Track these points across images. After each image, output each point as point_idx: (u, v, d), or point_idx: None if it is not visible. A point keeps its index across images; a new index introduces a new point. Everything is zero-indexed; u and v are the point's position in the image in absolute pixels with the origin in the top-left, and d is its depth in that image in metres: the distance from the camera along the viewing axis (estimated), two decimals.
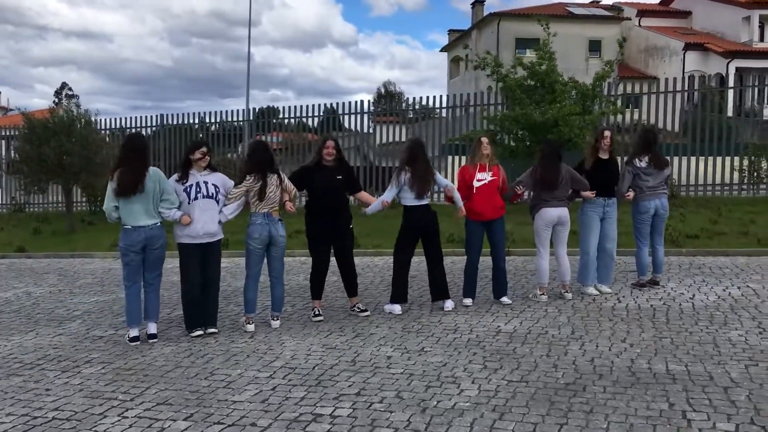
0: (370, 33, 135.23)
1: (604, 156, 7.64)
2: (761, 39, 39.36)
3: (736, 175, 15.00)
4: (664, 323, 6.32)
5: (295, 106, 19.90)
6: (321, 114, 19.81)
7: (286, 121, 20.56)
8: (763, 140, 16.03)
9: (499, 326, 6.48)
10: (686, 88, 17.31)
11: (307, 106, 19.44)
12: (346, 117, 19.53)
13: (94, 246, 13.54)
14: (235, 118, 20.44)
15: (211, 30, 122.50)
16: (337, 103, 19.53)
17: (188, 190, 6.52)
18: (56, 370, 5.74)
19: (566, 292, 7.44)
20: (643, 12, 43.52)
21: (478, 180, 7.28)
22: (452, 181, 7.69)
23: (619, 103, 14.78)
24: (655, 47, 40.78)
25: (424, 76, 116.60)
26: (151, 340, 6.47)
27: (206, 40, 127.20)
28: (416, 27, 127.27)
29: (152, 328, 6.55)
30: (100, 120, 19.01)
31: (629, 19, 42.64)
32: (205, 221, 6.51)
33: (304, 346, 6.11)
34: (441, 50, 49.64)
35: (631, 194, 7.60)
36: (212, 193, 6.57)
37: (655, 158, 7.62)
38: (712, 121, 15.69)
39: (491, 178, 7.29)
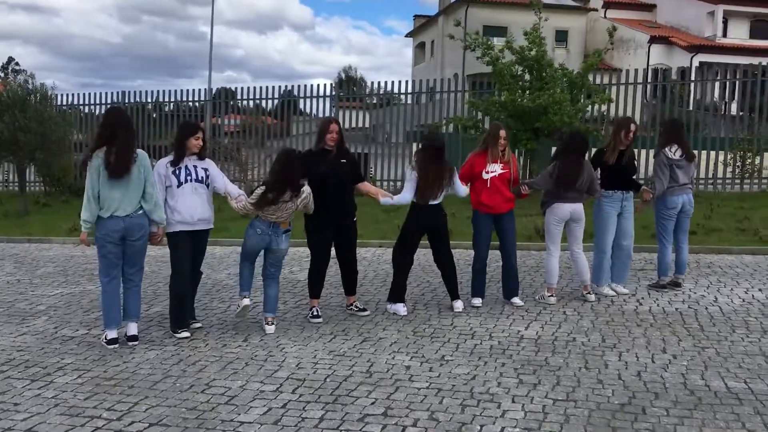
0: (327, 17, 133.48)
1: (621, 147, 7.12)
2: (724, 35, 39.65)
3: (720, 169, 14.78)
4: (699, 330, 5.84)
5: (252, 87, 18.98)
6: (279, 96, 18.97)
7: (242, 103, 19.58)
8: (728, 134, 15.87)
9: (519, 331, 5.91)
10: (649, 80, 17.07)
11: (265, 88, 18.56)
12: (306, 101, 18.72)
13: (51, 230, 12.57)
14: (193, 98, 19.35)
15: (162, 7, 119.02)
16: (297, 86, 18.70)
17: (177, 173, 5.88)
18: (24, 378, 4.97)
19: (588, 293, 6.90)
20: (609, 3, 43.40)
21: (489, 172, 6.72)
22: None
23: (606, 92, 14.35)
24: (621, 39, 40.59)
25: (382, 62, 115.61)
26: (131, 343, 5.72)
27: (158, 18, 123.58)
28: (373, 12, 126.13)
29: (132, 329, 5.80)
30: (55, 96, 17.80)
31: (596, 10, 42.53)
32: (197, 206, 5.91)
33: (308, 353, 5.45)
34: (406, 35, 48.90)
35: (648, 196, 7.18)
36: (202, 177, 5.97)
37: (686, 149, 7.15)
38: (678, 114, 15.43)
39: (502, 171, 6.74)
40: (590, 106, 14.55)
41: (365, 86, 25.69)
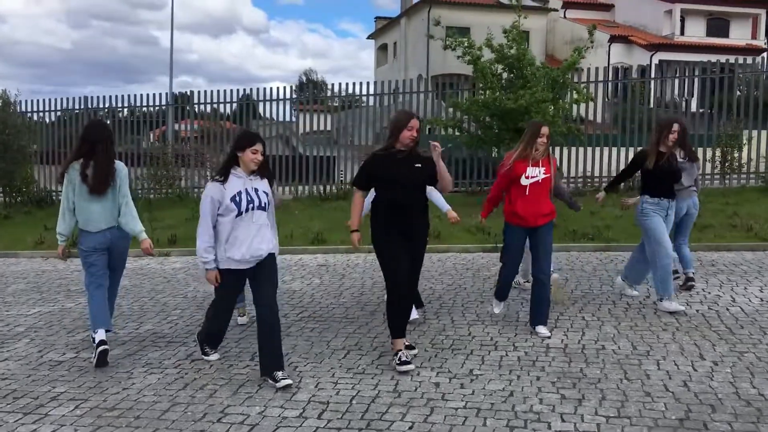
0: (281, 20, 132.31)
1: (662, 149, 6.47)
2: (682, 33, 40.23)
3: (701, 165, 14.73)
4: (729, 333, 5.60)
5: (209, 91, 18.21)
6: (237, 100, 18.38)
7: (200, 107, 18.92)
8: (708, 131, 15.82)
9: (543, 340, 5.60)
10: (610, 78, 16.96)
11: (222, 92, 17.98)
12: (265, 104, 18.18)
13: (15, 243, 11.90)
14: (151, 103, 18.43)
15: (112, 12, 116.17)
16: (256, 89, 18.17)
17: (237, 198, 4.78)
18: (15, 411, 4.48)
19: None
20: (568, 3, 43.72)
21: (529, 177, 5.72)
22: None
23: (585, 91, 14.14)
24: (581, 39, 40.63)
25: (339, 65, 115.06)
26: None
27: (107, 23, 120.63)
28: (327, 15, 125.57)
29: (101, 334, 5.45)
30: (18, 103, 16.86)
31: (556, 10, 42.82)
32: (256, 240, 4.85)
33: (324, 371, 5.05)
34: (368, 37, 48.57)
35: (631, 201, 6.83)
36: (265, 204, 4.89)
37: (689, 150, 6.83)
38: (640, 111, 15.28)
39: (544, 176, 5.75)
40: (572, 105, 14.29)
41: (327, 88, 24.81)
